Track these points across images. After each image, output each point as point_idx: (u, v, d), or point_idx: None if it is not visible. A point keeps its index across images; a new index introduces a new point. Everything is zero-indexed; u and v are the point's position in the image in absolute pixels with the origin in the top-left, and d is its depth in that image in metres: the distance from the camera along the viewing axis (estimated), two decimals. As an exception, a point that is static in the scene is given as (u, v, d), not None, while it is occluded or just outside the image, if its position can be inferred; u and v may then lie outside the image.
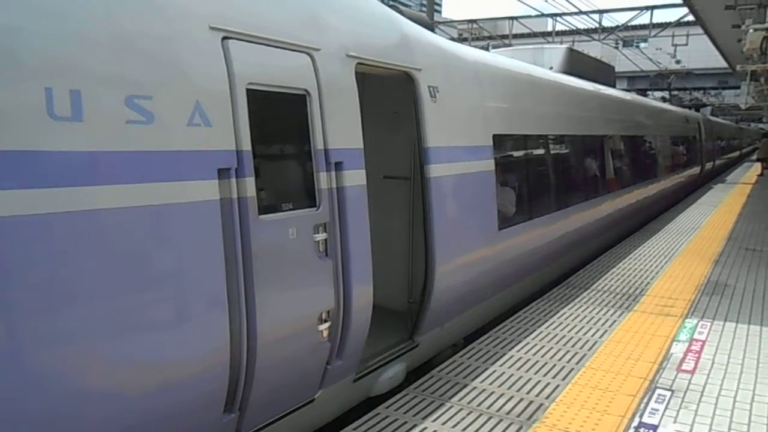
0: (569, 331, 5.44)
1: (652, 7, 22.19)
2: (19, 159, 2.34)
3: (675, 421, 3.79)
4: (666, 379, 4.39)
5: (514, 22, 25.47)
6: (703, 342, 5.16)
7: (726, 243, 9.51)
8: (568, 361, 4.75)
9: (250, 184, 3.21)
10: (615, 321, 5.71)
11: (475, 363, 4.80)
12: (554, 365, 4.68)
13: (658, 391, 4.20)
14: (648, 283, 7.09)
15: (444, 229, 5.02)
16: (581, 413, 3.88)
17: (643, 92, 26.08)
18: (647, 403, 4.01)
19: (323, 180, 3.76)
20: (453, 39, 18.36)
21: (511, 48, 13.66)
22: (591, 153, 9.64)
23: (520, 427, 3.73)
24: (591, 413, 3.87)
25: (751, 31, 10.57)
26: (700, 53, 29.10)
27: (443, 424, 3.79)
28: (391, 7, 5.40)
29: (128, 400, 2.74)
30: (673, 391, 4.20)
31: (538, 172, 7.67)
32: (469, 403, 4.08)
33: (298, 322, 3.61)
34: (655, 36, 24.04)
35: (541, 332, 5.43)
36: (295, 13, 3.79)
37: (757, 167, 25.67)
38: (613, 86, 12.94)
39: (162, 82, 2.86)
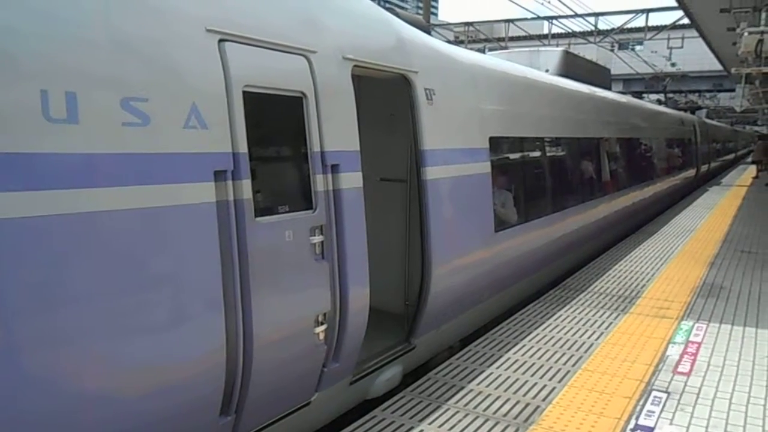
0: (566, 334, 5.44)
1: (648, 10, 22.26)
2: (14, 161, 2.33)
3: (671, 423, 3.80)
4: (662, 381, 4.40)
5: (510, 24, 25.53)
6: (699, 344, 5.17)
7: (721, 245, 9.54)
8: (565, 364, 4.75)
9: (246, 186, 3.21)
10: (611, 323, 5.72)
11: (472, 365, 4.80)
12: (551, 367, 4.68)
13: (654, 393, 4.21)
14: (644, 285, 7.11)
15: (440, 232, 5.02)
16: (578, 415, 3.88)
17: (638, 95, 26.14)
18: (643, 405, 4.02)
19: (320, 182, 3.75)
20: (449, 42, 18.40)
21: (507, 51, 13.68)
22: (587, 155, 9.66)
23: (517, 430, 3.73)
24: (587, 415, 3.88)
25: (745, 34, 10.62)
26: (696, 56, 29.25)
27: (440, 426, 3.79)
28: (387, 9, 5.41)
29: (124, 403, 2.73)
30: (669, 393, 4.21)
31: (535, 174, 7.69)
32: (465, 405, 4.08)
33: (295, 325, 3.60)
34: (650, 39, 24.12)
35: (538, 334, 5.43)
36: (291, 15, 3.79)
37: (753, 170, 25.76)
38: (609, 89, 12.98)
39: (158, 84, 2.86)
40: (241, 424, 3.40)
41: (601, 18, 24.02)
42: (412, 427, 3.82)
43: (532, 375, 4.54)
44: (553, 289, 7.11)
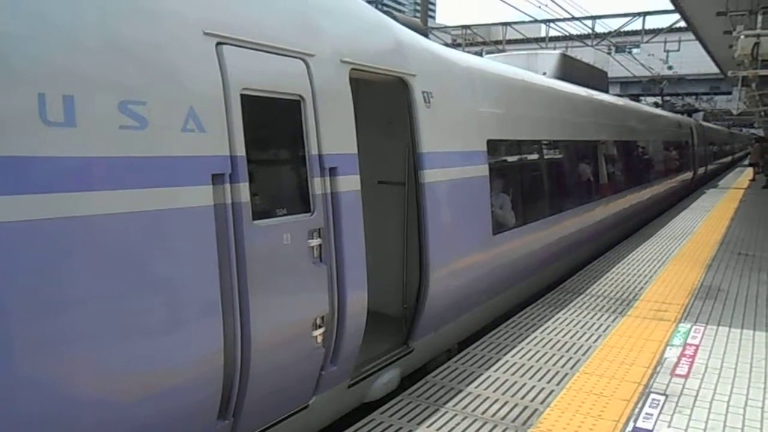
0: (563, 336, 5.44)
1: (645, 13, 22.30)
2: (12, 164, 2.33)
3: (669, 426, 3.80)
4: (660, 384, 4.40)
5: (508, 27, 25.53)
6: (697, 346, 5.18)
7: (719, 248, 9.56)
8: (563, 366, 4.75)
9: (244, 189, 3.21)
10: (609, 326, 5.72)
11: (470, 368, 4.79)
12: (549, 370, 4.68)
13: (652, 395, 4.21)
14: (642, 287, 7.12)
15: (438, 234, 5.02)
16: (576, 418, 3.88)
17: (635, 98, 26.22)
18: (641, 408, 4.02)
19: (317, 185, 3.75)
20: (447, 45, 18.44)
21: (504, 54, 13.71)
22: (585, 158, 9.68)
23: (515, 433, 3.73)
24: (585, 418, 3.88)
25: (742, 37, 10.64)
26: (692, 59, 29.30)
27: (438, 429, 3.79)
28: (385, 12, 5.42)
29: (121, 407, 2.73)
30: (667, 396, 4.21)
31: (532, 177, 7.70)
32: (463, 408, 4.08)
33: (293, 328, 3.59)
34: (647, 42, 24.17)
35: (536, 337, 5.43)
36: (289, 18, 3.80)
37: (749, 172, 25.83)
38: (606, 92, 13.01)
39: (156, 87, 2.86)
40: (239, 427, 3.39)
41: (598, 21, 24.06)
42: (410, 431, 3.82)
43: (530, 378, 4.54)
44: (550, 291, 7.12)
